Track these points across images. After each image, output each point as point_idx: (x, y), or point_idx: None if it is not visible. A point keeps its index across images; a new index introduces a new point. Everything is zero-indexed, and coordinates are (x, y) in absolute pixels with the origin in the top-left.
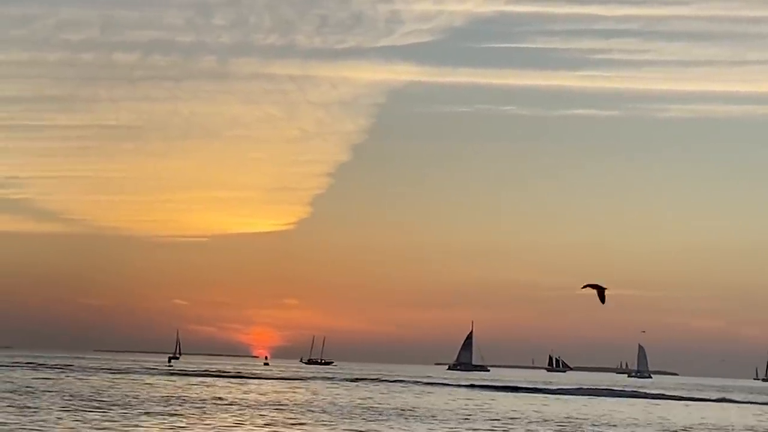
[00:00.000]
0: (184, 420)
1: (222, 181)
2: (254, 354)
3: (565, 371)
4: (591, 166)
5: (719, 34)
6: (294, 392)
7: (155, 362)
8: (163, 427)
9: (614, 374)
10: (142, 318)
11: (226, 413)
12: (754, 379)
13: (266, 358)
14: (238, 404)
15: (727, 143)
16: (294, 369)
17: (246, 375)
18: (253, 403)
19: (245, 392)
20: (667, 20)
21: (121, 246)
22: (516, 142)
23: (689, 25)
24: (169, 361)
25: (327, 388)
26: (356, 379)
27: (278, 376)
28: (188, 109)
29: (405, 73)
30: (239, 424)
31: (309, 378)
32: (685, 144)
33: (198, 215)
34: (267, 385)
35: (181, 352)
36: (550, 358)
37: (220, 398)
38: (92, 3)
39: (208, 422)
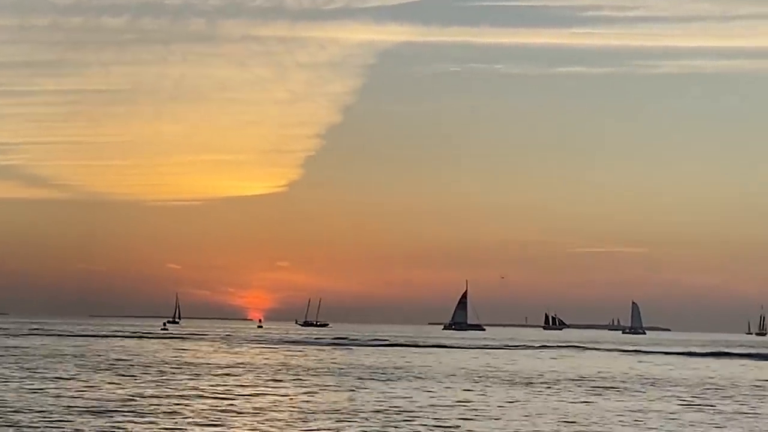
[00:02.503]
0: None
1: (213, 145)
2: (250, 317)
3: (561, 329)
4: (583, 123)
5: None
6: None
7: (152, 326)
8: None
9: (607, 331)
10: (136, 283)
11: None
12: (747, 333)
13: (260, 321)
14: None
15: (719, 98)
16: (306, 332)
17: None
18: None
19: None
20: None
21: (113, 211)
22: (508, 100)
23: None
24: (165, 326)
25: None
26: (483, 346)
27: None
28: (178, 72)
29: (394, 33)
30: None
31: (373, 345)
32: (677, 99)
33: (190, 179)
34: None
35: (181, 316)
36: (546, 316)
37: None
38: None
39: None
